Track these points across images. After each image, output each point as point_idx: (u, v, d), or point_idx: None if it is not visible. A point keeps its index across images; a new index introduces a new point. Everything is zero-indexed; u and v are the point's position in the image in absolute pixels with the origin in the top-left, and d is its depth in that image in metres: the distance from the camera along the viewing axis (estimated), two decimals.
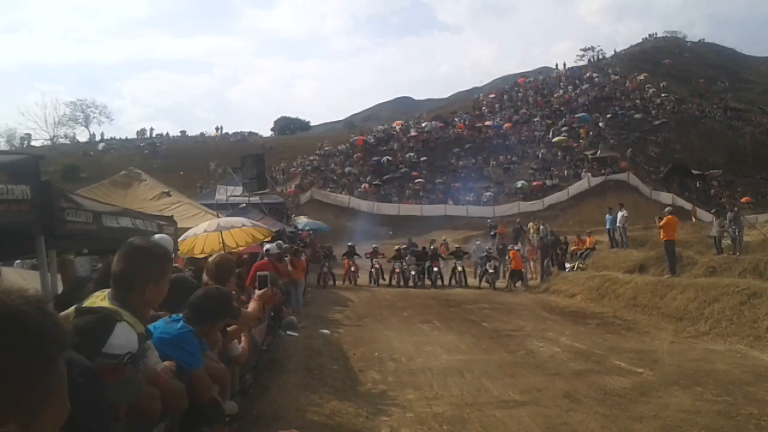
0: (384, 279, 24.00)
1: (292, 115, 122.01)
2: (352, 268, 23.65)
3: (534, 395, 8.28)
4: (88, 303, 2.59)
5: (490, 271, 22.26)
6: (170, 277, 3.10)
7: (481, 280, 23.24)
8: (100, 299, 2.60)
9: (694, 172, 55.63)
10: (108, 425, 1.84)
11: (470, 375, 9.48)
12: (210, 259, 5.44)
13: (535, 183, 51.66)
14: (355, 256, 24.23)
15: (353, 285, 23.25)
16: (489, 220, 38.31)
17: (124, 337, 2.27)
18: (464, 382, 9.07)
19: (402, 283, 23.31)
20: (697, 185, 54.72)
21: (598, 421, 7.09)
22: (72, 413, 1.49)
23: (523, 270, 22.42)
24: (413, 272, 23.38)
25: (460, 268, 23.15)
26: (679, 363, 9.85)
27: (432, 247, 25.58)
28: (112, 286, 2.67)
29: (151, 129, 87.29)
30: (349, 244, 25.38)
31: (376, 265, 23.93)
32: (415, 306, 17.97)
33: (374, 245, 25.96)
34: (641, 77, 76.71)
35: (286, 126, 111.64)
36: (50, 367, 0.92)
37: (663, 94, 72.34)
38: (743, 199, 49.68)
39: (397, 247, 25.57)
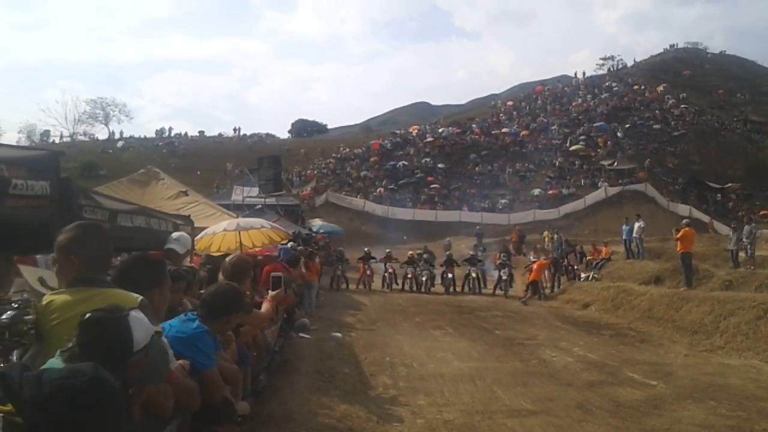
0: (397, 284, 24.06)
1: (310, 118, 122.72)
2: (368, 272, 23.48)
3: (546, 405, 8.23)
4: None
5: (504, 278, 21.91)
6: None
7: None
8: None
9: (712, 185, 55.08)
10: (124, 426, 1.85)
11: (482, 383, 9.45)
12: (227, 259, 5.48)
13: (551, 191, 51.40)
14: (371, 261, 24.05)
15: (367, 289, 23.14)
16: (477, 227, 38.14)
17: (140, 327, 2.29)
18: (475, 389, 9.04)
19: (414, 288, 23.33)
20: (717, 198, 54.16)
21: None
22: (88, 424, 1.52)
23: (539, 280, 21.66)
24: (425, 278, 23.25)
25: (474, 275, 22.97)
26: (693, 376, 9.76)
27: (447, 253, 25.48)
28: None
29: (170, 128, 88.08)
30: (366, 249, 25.28)
31: (390, 270, 23.95)
32: (428, 312, 17.94)
33: (387, 250, 25.99)
34: (661, 88, 76.11)
35: (303, 128, 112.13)
36: None
37: (682, 105, 71.68)
38: (761, 213, 49.11)
39: (410, 252, 25.52)
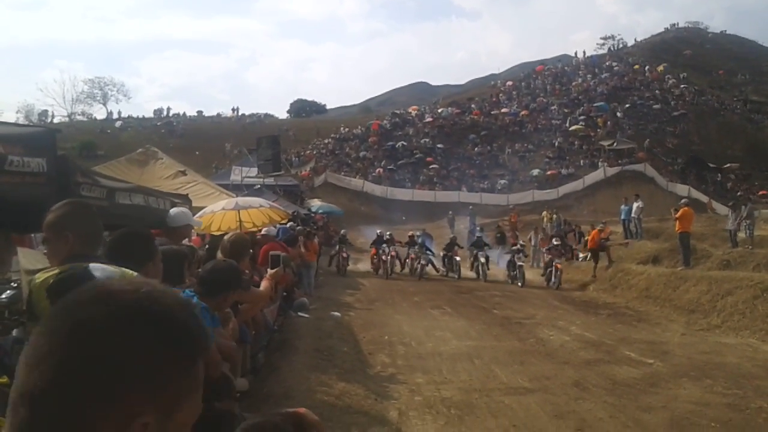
0: (399, 268, 22.81)
1: (309, 98, 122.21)
2: (383, 257, 21.85)
3: (543, 383, 8.29)
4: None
5: (519, 263, 19.74)
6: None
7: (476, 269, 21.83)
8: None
9: (711, 165, 55.06)
10: None
11: (479, 361, 9.51)
12: (225, 237, 5.48)
13: (550, 172, 51.33)
14: (384, 245, 22.36)
15: (384, 275, 21.53)
16: (470, 207, 37.96)
17: (104, 271, 2.30)
18: (473, 367, 9.10)
19: (418, 270, 21.64)
20: (716, 178, 54.16)
21: (606, 410, 7.10)
22: None
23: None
24: (421, 263, 21.73)
25: (482, 259, 21.19)
26: (690, 355, 9.82)
27: (451, 236, 24.49)
28: None
29: (168, 108, 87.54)
30: (378, 231, 23.74)
31: (392, 253, 22.32)
32: (426, 291, 18.01)
33: (389, 232, 24.49)
34: (661, 67, 75.72)
35: (302, 109, 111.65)
36: (195, 368, 0.95)
37: (683, 85, 71.39)
38: (760, 193, 49.15)
39: (411, 233, 24.62)
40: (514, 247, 20.91)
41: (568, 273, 20.35)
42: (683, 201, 19.71)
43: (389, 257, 22.02)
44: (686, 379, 8.38)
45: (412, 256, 22.58)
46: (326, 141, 61.72)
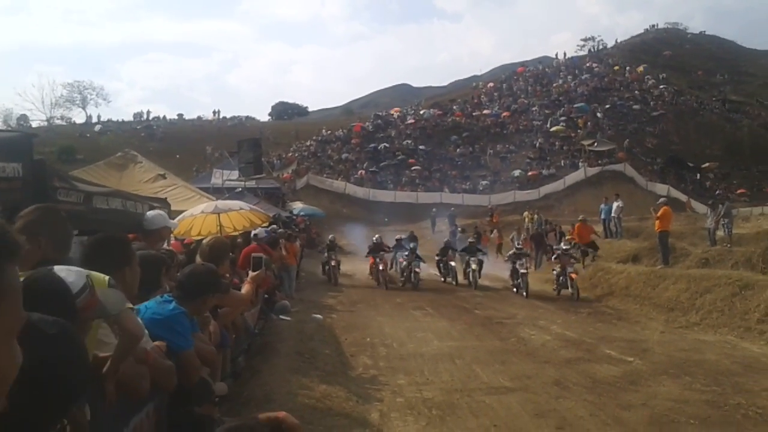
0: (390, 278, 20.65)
1: (291, 101, 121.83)
2: (380, 267, 19.52)
3: (524, 382, 8.34)
4: None
5: (522, 271, 17.55)
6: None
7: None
8: None
9: (690, 164, 55.71)
10: (87, 375, 1.83)
11: (461, 361, 9.55)
12: (204, 242, 5.45)
13: (531, 172, 51.62)
14: (382, 252, 20.33)
15: (383, 287, 19.24)
16: (451, 209, 37.99)
17: (68, 273, 2.29)
18: (455, 368, 9.13)
19: (413, 279, 19.29)
20: (695, 177, 54.81)
21: (586, 409, 7.16)
22: (51, 365, 1.49)
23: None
24: (417, 269, 19.42)
25: (474, 266, 19.05)
26: (669, 353, 9.92)
27: (446, 240, 22.94)
28: None
29: (148, 112, 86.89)
30: (375, 237, 21.82)
31: (385, 261, 20.15)
32: (408, 293, 18.03)
33: (376, 236, 22.60)
34: (641, 68, 76.51)
35: (284, 111, 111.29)
36: None
37: (662, 86, 72.19)
38: (738, 192, 49.82)
39: (398, 236, 23.40)
40: (515, 252, 18.60)
41: (549, 272, 20.47)
42: (662, 200, 19.91)
43: (384, 266, 19.90)
44: (666, 377, 8.46)
45: (401, 260, 20.94)
46: (308, 143, 61.58)
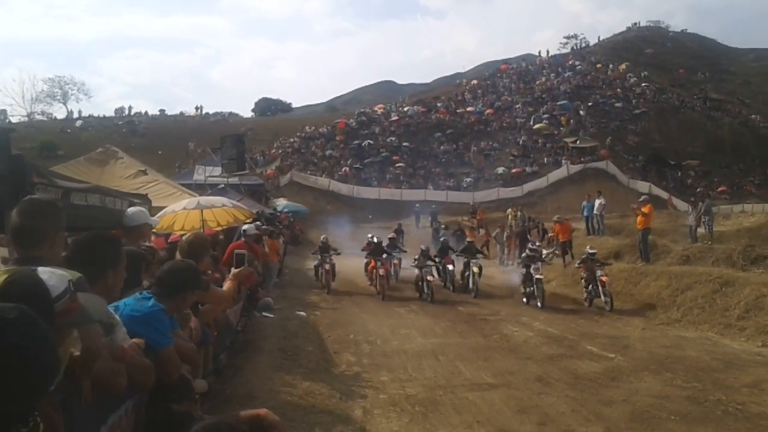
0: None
1: (274, 97, 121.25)
2: (381, 272, 16.67)
3: (507, 378, 8.38)
4: None
5: (537, 276, 14.98)
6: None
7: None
8: None
9: (672, 162, 56.24)
10: (53, 366, 1.79)
11: (444, 358, 9.57)
12: (184, 238, 5.40)
13: (515, 170, 51.77)
14: (385, 255, 17.98)
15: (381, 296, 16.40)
16: (433, 207, 37.81)
17: (51, 276, 2.25)
18: (438, 364, 9.16)
19: (426, 290, 16.05)
20: (676, 175, 55.34)
21: (568, 404, 7.20)
22: (9, 352, 1.45)
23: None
24: (429, 277, 16.29)
25: (475, 269, 16.83)
26: (650, 349, 10.01)
27: (442, 239, 21.03)
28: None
29: (130, 107, 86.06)
30: (370, 236, 20.24)
31: (384, 268, 16.96)
32: (392, 289, 18.02)
33: (370, 235, 21.15)
34: (623, 66, 77.08)
35: (267, 107, 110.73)
36: None
37: (644, 84, 72.79)
38: (719, 189, 50.37)
39: (391, 235, 21.89)
40: (529, 253, 15.91)
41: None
42: (643, 197, 20.11)
43: (386, 272, 17.14)
44: (647, 373, 8.54)
45: (395, 261, 19.15)
46: (292, 140, 61.32)
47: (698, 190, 42.53)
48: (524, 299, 15.34)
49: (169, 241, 8.47)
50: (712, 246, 18.02)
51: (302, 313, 12.70)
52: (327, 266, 17.33)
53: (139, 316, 3.44)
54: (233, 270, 5.40)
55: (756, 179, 58.88)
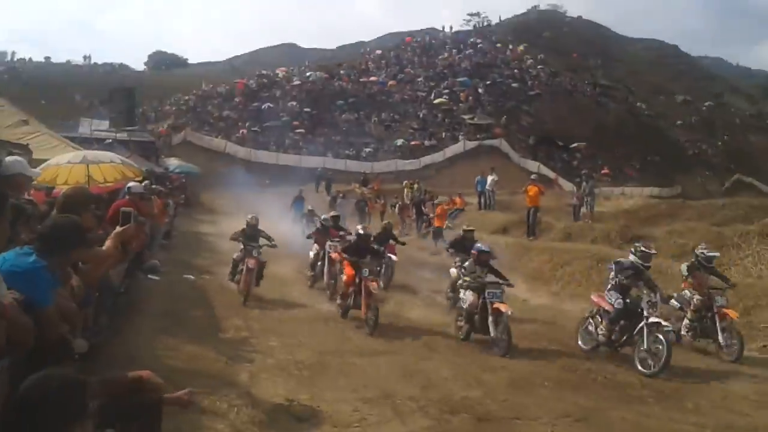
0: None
1: (169, 51, 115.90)
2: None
3: (395, 346, 8.61)
4: None
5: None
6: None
7: None
8: None
9: (560, 143, 58.86)
10: None
11: (335, 325, 9.69)
12: (62, 191, 5.12)
13: (414, 142, 52.40)
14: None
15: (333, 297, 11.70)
16: (329, 173, 37.62)
17: None
18: (328, 331, 9.26)
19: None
20: (564, 156, 57.94)
21: (451, 370, 7.52)
22: None
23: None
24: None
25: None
26: (531, 319, 10.57)
27: (385, 223, 15.34)
28: None
29: (13, 53, 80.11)
30: (332, 214, 15.29)
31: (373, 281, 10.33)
32: (288, 254, 17.85)
33: (309, 207, 19.29)
34: (521, 47, 79.25)
35: (162, 61, 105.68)
36: None
37: (539, 66, 75.25)
38: (603, 172, 53.22)
39: (310, 207, 19.61)
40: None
41: (423, 240, 21.05)
42: (533, 176, 21.03)
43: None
44: (526, 342, 9.02)
45: (334, 253, 12.43)
46: (187, 97, 59.07)
47: (583, 171, 44.54)
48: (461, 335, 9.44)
49: (51, 195, 8.01)
50: (592, 225, 19.13)
51: (191, 277, 12.39)
52: (251, 263, 11.05)
53: (20, 272, 3.28)
54: (118, 228, 5.19)
55: (636, 164, 62.77)
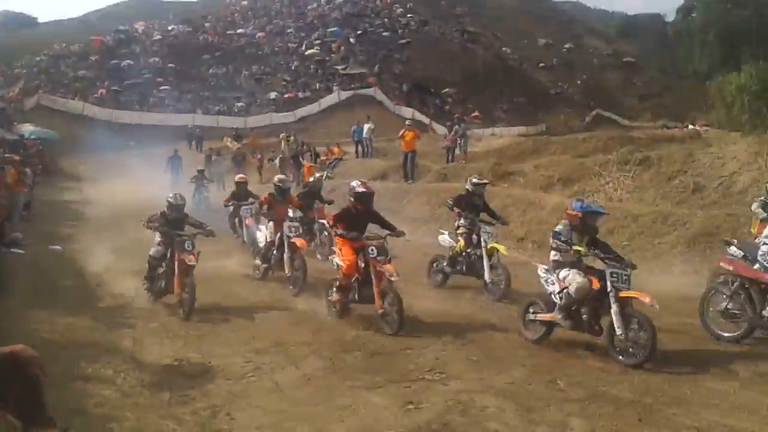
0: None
1: (15, 10, 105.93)
2: (384, 270, 7.44)
3: (285, 298, 8.59)
4: None
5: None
6: None
7: None
8: None
9: (432, 90, 60.04)
10: None
11: (220, 281, 9.48)
12: None
13: (287, 95, 51.47)
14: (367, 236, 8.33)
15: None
16: (197, 130, 36.96)
17: None
18: (213, 288, 8.92)
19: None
20: (436, 102, 59.17)
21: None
22: None
23: None
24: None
25: (489, 238, 9.54)
26: (413, 257, 10.87)
27: (315, 177, 14.35)
28: None
29: None
30: (278, 179, 11.38)
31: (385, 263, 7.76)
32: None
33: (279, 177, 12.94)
34: None
35: (8, 21, 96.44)
36: None
37: (409, 15, 75.64)
38: (473, 115, 54.83)
39: (200, 168, 19.24)
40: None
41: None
42: (408, 122, 21.34)
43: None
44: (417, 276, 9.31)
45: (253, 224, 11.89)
46: (38, 59, 54.37)
47: (455, 115, 45.65)
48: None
49: None
50: (465, 165, 19.79)
51: (57, 248, 11.61)
52: (188, 259, 8.10)
53: None
54: None
55: (504, 106, 65.23)
